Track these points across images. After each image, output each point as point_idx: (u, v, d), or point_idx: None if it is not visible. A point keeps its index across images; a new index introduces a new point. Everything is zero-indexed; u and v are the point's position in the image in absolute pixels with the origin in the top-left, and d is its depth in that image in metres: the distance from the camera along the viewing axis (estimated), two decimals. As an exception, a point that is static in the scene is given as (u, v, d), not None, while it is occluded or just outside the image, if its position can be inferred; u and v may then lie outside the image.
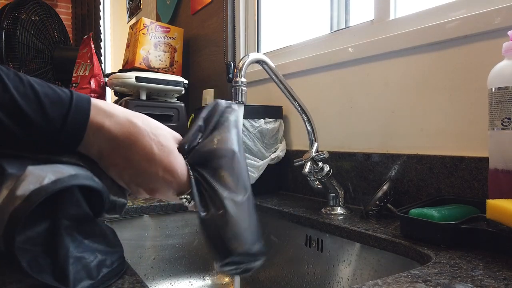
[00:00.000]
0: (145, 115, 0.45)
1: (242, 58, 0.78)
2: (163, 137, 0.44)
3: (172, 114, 1.32)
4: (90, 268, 0.40)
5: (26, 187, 0.35)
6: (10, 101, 0.37)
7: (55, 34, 1.86)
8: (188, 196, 0.44)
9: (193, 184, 0.44)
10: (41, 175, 0.36)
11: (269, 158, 1.07)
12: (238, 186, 0.45)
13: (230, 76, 1.32)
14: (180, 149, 0.45)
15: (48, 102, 0.38)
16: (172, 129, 0.47)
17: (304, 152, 0.85)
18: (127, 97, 1.37)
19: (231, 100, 0.73)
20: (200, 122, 0.47)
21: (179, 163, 0.44)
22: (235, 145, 0.47)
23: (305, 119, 0.88)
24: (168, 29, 1.61)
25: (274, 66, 0.84)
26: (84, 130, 0.40)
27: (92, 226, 0.42)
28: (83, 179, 0.38)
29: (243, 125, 1.05)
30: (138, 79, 1.29)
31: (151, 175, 0.42)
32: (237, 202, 0.43)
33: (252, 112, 1.07)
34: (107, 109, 0.42)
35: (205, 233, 0.42)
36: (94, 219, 0.43)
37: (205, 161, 0.45)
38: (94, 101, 0.41)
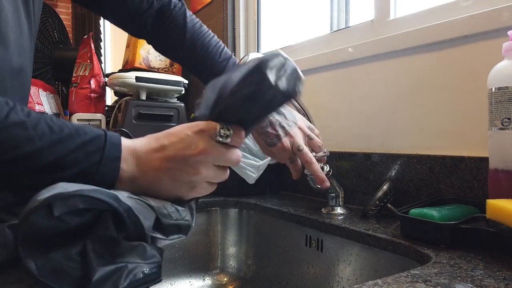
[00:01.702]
0: None
1: (242, 58, 0.78)
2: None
3: (172, 114, 1.32)
4: (117, 276, 0.39)
5: (47, 194, 0.36)
6: (57, 142, 0.40)
7: (55, 34, 1.85)
8: (223, 126, 0.44)
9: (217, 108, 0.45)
10: (67, 188, 0.37)
11: (269, 158, 1.07)
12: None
13: (230, 76, 1.31)
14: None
15: (88, 138, 0.41)
16: (172, 129, 0.48)
17: (304, 152, 0.85)
18: (127, 97, 1.37)
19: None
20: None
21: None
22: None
23: (305, 119, 0.88)
24: (168, 29, 1.61)
25: (274, 66, 0.84)
26: (120, 153, 0.42)
27: (123, 247, 0.42)
28: (101, 194, 0.39)
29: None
30: (138, 79, 1.29)
31: (186, 139, 0.44)
32: None
33: (252, 112, 1.07)
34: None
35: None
36: (125, 242, 0.42)
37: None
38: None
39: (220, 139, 0.44)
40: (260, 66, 0.41)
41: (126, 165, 0.43)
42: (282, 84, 0.42)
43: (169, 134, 0.45)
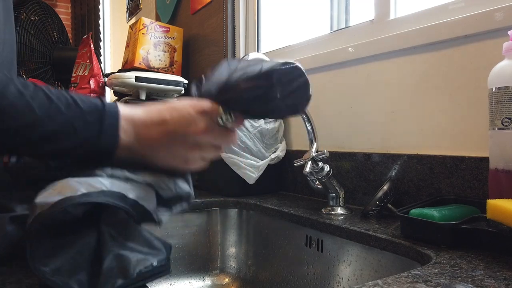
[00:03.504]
0: None
1: (241, 58, 0.78)
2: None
3: (172, 114, 1.31)
4: (126, 264, 0.40)
5: (57, 197, 0.37)
6: (56, 112, 0.40)
7: (55, 34, 1.85)
8: (225, 112, 0.46)
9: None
10: (76, 187, 0.39)
11: (269, 158, 1.07)
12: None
13: (230, 76, 1.31)
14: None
15: (87, 108, 0.41)
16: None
17: (304, 152, 0.85)
18: (127, 97, 1.37)
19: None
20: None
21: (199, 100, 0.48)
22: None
23: (305, 119, 0.88)
24: (168, 29, 1.61)
25: (274, 66, 0.84)
26: (118, 123, 0.42)
27: (133, 231, 0.43)
28: (109, 197, 0.40)
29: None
30: (137, 79, 1.28)
31: (188, 117, 0.45)
32: None
33: (252, 112, 1.07)
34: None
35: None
36: (136, 226, 0.43)
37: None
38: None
39: (221, 122, 0.46)
40: (272, 75, 0.44)
41: (125, 134, 0.43)
42: (288, 100, 0.44)
43: (172, 109, 0.45)
